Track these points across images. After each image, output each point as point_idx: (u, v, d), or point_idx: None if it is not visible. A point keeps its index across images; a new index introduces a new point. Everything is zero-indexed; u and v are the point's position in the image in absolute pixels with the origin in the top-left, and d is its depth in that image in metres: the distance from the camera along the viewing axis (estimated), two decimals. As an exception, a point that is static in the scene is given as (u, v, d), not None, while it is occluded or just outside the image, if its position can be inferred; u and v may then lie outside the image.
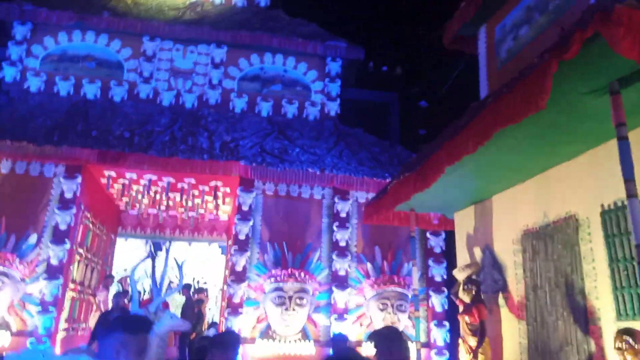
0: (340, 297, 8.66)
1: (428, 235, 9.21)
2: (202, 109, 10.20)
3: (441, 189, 6.01)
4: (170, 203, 10.57)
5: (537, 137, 4.47)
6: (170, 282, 12.87)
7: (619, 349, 3.70)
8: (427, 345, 8.72)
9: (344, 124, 10.80)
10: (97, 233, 10.29)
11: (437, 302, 8.87)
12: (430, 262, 9.09)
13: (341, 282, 8.76)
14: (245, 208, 8.82)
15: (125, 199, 10.58)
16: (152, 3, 11.46)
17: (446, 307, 8.90)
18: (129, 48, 10.80)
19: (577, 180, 4.87)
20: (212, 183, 9.51)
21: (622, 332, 3.74)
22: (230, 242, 9.80)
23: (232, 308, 8.32)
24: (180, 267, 5.57)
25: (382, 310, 8.61)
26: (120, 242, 12.18)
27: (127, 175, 9.18)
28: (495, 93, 4.16)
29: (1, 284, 7.71)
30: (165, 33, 10.78)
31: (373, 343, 2.96)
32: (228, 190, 9.84)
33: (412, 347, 7.57)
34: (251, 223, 8.80)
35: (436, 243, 9.15)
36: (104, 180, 9.44)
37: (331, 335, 7.98)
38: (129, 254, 13.65)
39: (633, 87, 3.50)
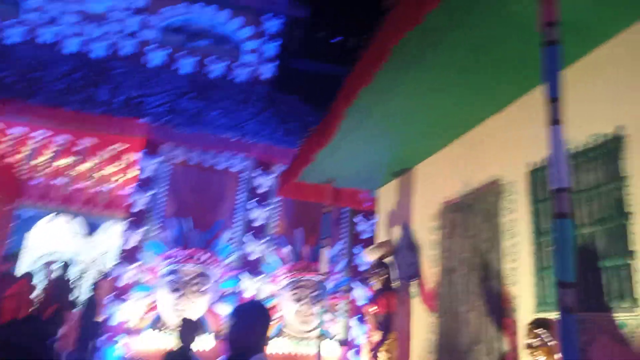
0: (250, 285, 7.51)
1: (356, 219, 8.14)
2: (112, 60, 8.83)
3: (355, 152, 5.00)
4: (73, 171, 9.16)
5: (452, 67, 3.41)
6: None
7: (529, 346, 2.69)
8: (346, 343, 7.64)
9: (289, 94, 9.56)
10: (-19, 200, 8.83)
11: (361, 294, 7.79)
12: (357, 250, 8.02)
13: (253, 267, 7.60)
14: (144, 175, 7.56)
15: (19, 164, 9.11)
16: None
17: (371, 301, 7.85)
18: (29, -16, 9.18)
19: (502, 138, 3.87)
20: (116, 146, 8.20)
21: (535, 324, 2.72)
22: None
23: (117, 293, 7.04)
24: None
25: (297, 301, 7.49)
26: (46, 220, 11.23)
27: (10, 130, 7.77)
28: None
29: None
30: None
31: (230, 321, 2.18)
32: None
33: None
34: (151, 193, 7.54)
35: (365, 228, 8.08)
36: (-17, 136, 8.01)
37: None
38: (56, 233, 12.29)
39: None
